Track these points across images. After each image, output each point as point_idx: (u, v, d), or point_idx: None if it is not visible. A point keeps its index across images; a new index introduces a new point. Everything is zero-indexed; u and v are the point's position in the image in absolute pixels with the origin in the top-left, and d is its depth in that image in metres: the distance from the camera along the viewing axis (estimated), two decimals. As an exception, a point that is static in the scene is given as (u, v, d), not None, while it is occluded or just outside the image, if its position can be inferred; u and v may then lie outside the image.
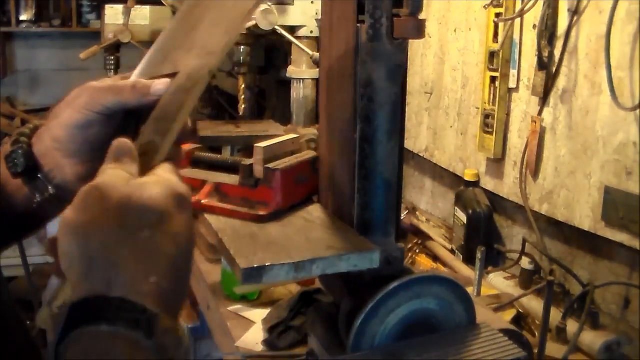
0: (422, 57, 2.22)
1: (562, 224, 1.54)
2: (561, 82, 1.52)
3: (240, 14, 0.75)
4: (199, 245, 1.83)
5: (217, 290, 1.57)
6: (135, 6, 2.68)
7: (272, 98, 2.97)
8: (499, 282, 1.63)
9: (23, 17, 3.48)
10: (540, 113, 1.58)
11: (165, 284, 0.55)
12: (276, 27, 2.05)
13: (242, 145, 2.02)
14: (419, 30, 0.85)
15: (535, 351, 1.13)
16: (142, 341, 0.50)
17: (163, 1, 2.63)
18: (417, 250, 1.91)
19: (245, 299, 1.51)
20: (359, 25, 0.87)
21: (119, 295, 0.51)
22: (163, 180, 0.59)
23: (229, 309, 1.49)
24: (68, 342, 0.50)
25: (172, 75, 0.72)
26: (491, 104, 1.76)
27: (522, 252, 1.63)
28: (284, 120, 2.34)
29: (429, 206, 2.27)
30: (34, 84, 3.72)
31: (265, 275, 0.80)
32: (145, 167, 0.62)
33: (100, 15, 3.02)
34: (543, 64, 1.54)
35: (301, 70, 2.20)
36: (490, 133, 1.77)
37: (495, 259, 1.79)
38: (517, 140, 1.71)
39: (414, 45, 2.18)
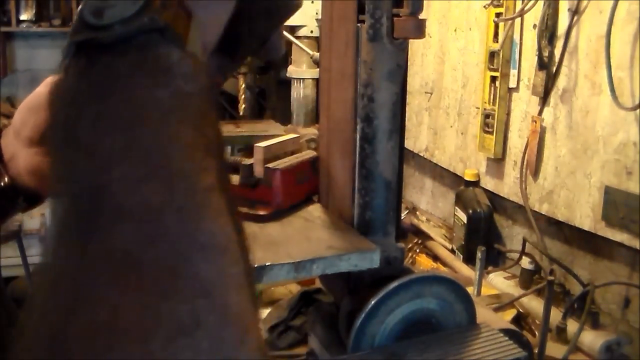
0: (422, 57, 2.22)
1: (562, 224, 1.54)
2: (561, 82, 1.52)
3: None
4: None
5: (217, 290, 1.57)
6: (135, 6, 2.68)
7: (272, 98, 2.97)
8: (499, 282, 1.63)
9: (23, 17, 3.48)
10: (540, 113, 1.58)
11: None
12: (276, 27, 2.05)
13: (242, 145, 2.02)
14: (419, 30, 0.85)
15: (536, 351, 1.13)
16: None
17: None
18: (417, 250, 1.91)
19: (245, 299, 1.51)
20: (359, 25, 0.87)
21: None
22: None
23: (229, 308, 1.48)
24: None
25: None
26: (491, 103, 1.76)
27: (522, 252, 1.63)
28: (284, 120, 2.34)
29: (429, 206, 2.27)
30: (34, 83, 3.70)
31: (265, 275, 0.80)
32: None
33: (100, 15, 3.01)
34: (543, 64, 1.54)
35: (301, 70, 2.20)
36: (491, 133, 1.77)
37: (495, 259, 1.79)
38: (517, 140, 1.71)
39: (414, 45, 2.18)
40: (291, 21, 2.15)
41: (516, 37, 1.68)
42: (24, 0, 3.50)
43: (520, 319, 1.43)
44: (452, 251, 1.87)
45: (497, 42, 1.71)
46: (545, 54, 1.53)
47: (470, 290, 1.32)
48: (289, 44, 2.20)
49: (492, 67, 1.74)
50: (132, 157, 0.31)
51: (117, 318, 0.26)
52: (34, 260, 3.08)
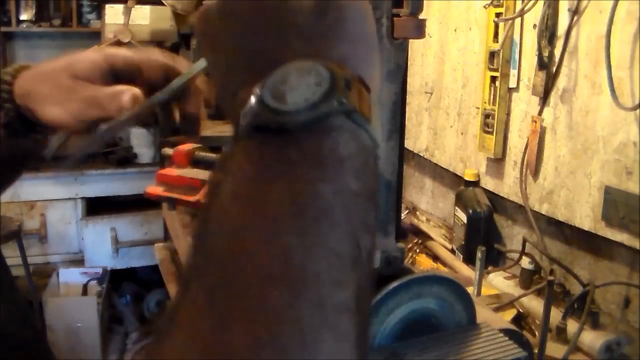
0: (422, 57, 2.22)
1: (562, 224, 1.54)
2: (561, 82, 1.52)
3: None
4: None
5: (217, 290, 1.57)
6: (136, 6, 2.68)
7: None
8: (499, 282, 1.63)
9: (23, 17, 3.48)
10: (540, 113, 1.58)
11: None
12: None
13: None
14: (419, 30, 0.85)
15: (536, 351, 1.13)
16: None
17: (163, 1, 2.63)
18: (417, 250, 1.91)
19: (245, 299, 1.51)
20: (359, 25, 0.87)
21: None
22: None
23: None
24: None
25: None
26: (491, 103, 1.76)
27: (522, 252, 1.63)
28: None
29: (429, 206, 2.27)
30: (34, 83, 3.72)
31: (265, 275, 0.79)
32: None
33: (100, 15, 3.02)
34: (543, 64, 1.54)
35: (301, 70, 2.20)
36: (491, 133, 1.77)
37: (495, 259, 1.79)
38: (517, 140, 1.71)
39: (414, 45, 2.18)
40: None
41: (516, 37, 1.68)
42: (24, 0, 3.50)
43: (520, 319, 1.43)
44: (452, 251, 1.87)
45: (497, 42, 1.72)
46: (545, 54, 1.53)
47: (470, 290, 1.32)
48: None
49: (492, 67, 1.74)
50: (269, 251, 0.29)
51: None
52: (34, 260, 3.09)
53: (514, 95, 1.71)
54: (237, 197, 0.31)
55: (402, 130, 0.94)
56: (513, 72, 1.70)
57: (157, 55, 0.65)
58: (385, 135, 0.89)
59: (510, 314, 1.43)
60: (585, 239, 1.48)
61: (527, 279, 1.57)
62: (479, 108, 1.84)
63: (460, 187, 1.90)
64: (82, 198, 3.22)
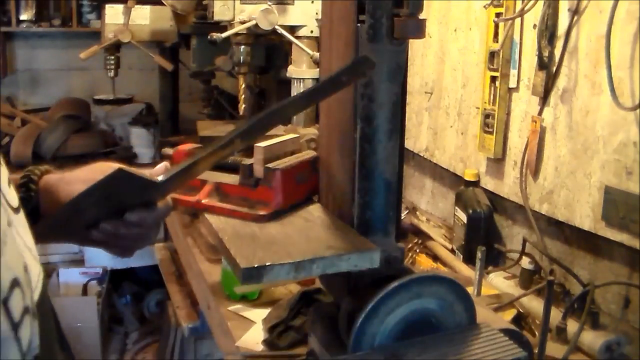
0: (422, 57, 2.22)
1: (562, 224, 1.54)
2: (561, 82, 1.52)
3: None
4: (199, 245, 1.83)
5: (217, 290, 1.57)
6: (136, 6, 2.68)
7: (272, 98, 2.97)
8: (499, 282, 1.63)
9: (23, 17, 3.48)
10: (540, 113, 1.58)
11: None
12: (276, 27, 2.05)
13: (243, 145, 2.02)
14: (419, 30, 0.85)
15: (536, 351, 1.13)
16: None
17: (163, 1, 2.63)
18: (417, 250, 1.91)
19: (245, 299, 1.51)
20: (359, 25, 0.87)
21: None
22: None
23: (229, 308, 1.49)
24: None
25: None
26: (491, 103, 1.76)
27: (522, 252, 1.63)
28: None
29: (429, 206, 2.27)
30: (34, 83, 3.71)
31: (265, 275, 0.80)
32: None
33: (100, 15, 3.01)
34: (543, 64, 1.54)
35: (301, 70, 2.20)
36: (491, 133, 1.77)
37: (495, 259, 1.79)
38: (517, 140, 1.71)
39: (414, 45, 2.18)
40: (291, 21, 2.15)
41: (516, 37, 1.68)
42: (24, 0, 3.50)
43: (520, 319, 1.43)
44: (452, 251, 1.87)
45: (497, 42, 1.72)
46: (545, 54, 1.53)
47: (470, 290, 1.32)
48: (289, 43, 2.20)
49: (492, 67, 1.74)
50: None
51: None
52: (34, 260, 3.09)
53: (514, 95, 1.71)
54: None
55: (402, 130, 0.94)
56: (513, 72, 1.70)
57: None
58: (386, 135, 0.89)
59: (510, 314, 1.43)
60: (585, 239, 1.48)
61: (527, 279, 1.57)
62: (479, 108, 1.84)
63: (460, 187, 1.90)
64: (82, 198, 3.22)
